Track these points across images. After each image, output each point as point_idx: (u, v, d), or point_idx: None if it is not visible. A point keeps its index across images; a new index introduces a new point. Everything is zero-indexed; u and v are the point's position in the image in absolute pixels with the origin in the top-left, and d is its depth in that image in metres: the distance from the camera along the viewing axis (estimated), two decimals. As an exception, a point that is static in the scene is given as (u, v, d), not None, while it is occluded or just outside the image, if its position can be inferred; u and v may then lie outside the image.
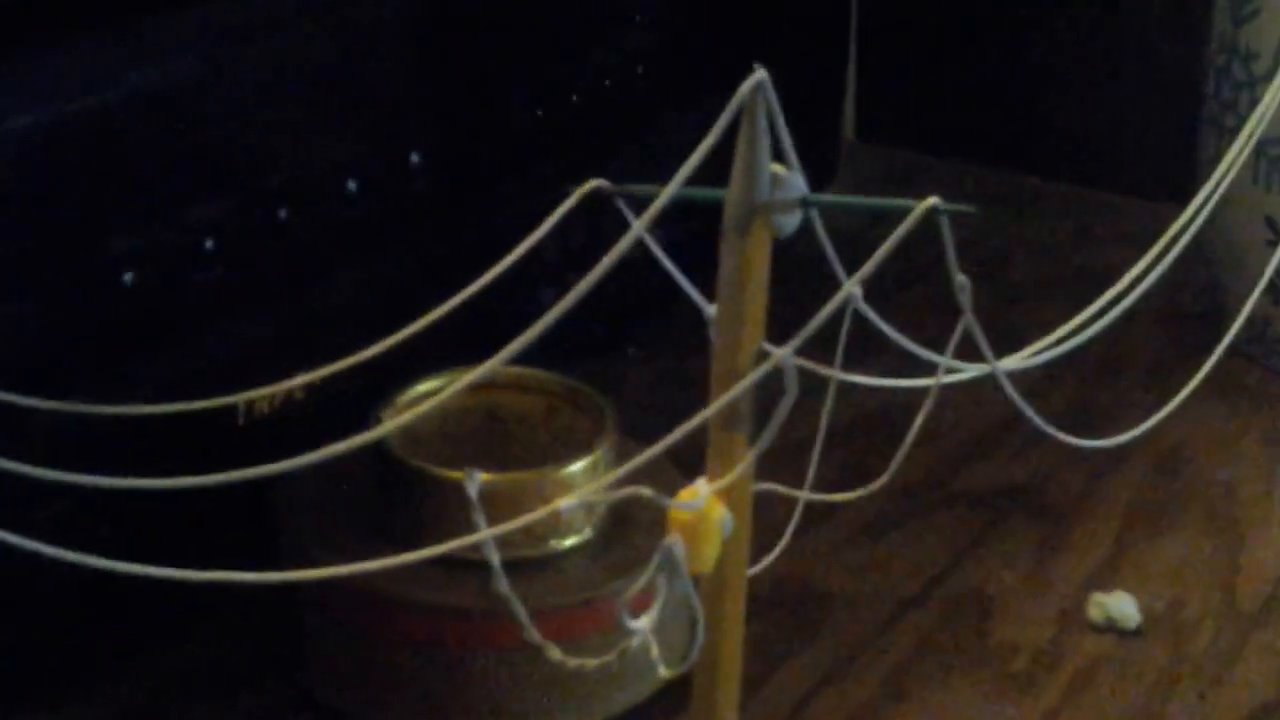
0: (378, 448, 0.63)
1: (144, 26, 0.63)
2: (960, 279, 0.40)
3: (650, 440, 0.37)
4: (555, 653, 0.40)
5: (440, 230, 0.78)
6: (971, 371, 0.43)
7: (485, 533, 0.36)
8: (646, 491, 0.38)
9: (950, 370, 0.42)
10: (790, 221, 0.39)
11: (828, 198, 0.38)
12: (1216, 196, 0.51)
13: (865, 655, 0.69)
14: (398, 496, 0.63)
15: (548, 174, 0.82)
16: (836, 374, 0.41)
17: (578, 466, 0.62)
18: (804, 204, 0.38)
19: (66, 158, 0.61)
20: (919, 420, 0.41)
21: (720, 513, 0.39)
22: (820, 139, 1.08)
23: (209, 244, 0.66)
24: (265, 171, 0.69)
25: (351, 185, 0.72)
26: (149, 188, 0.64)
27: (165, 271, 0.65)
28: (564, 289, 0.35)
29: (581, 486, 0.62)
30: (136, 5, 0.63)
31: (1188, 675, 0.69)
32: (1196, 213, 0.50)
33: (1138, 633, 0.71)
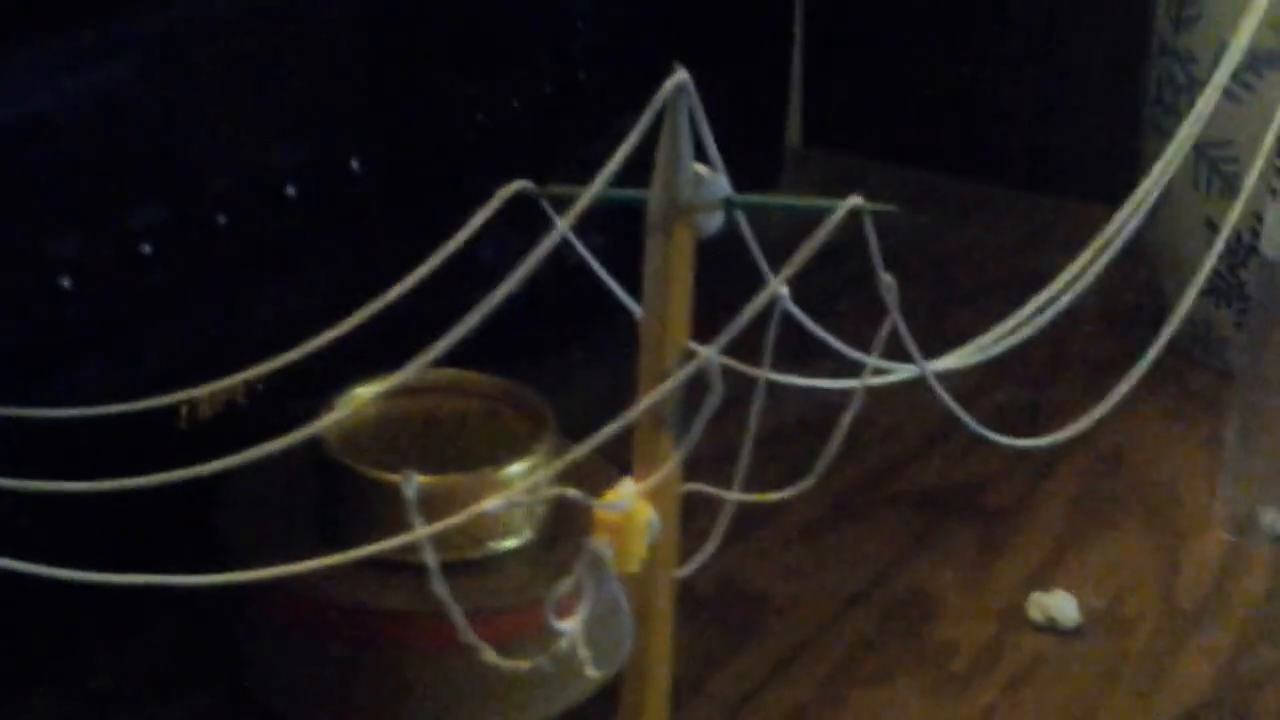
0: (316, 451, 0.63)
1: (80, 31, 0.63)
2: (886, 279, 0.40)
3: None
4: (490, 655, 0.40)
5: (383, 236, 0.78)
6: (900, 372, 0.43)
7: (420, 532, 0.36)
8: (572, 492, 0.38)
9: (879, 371, 0.42)
10: (713, 221, 0.39)
11: (750, 198, 0.38)
12: (1153, 198, 0.51)
13: (805, 656, 0.69)
14: (336, 500, 0.63)
15: (490, 180, 0.81)
16: (762, 374, 0.41)
17: (516, 468, 0.62)
18: (726, 204, 0.38)
19: (1, 162, 0.61)
20: (846, 421, 0.41)
21: (646, 513, 0.39)
22: (764, 144, 1.08)
23: (147, 249, 0.66)
24: (204, 176, 0.69)
25: (291, 190, 0.72)
26: (86, 192, 0.64)
27: (103, 276, 0.64)
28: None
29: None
30: (73, 9, 0.63)
31: (1127, 674, 0.69)
32: (1131, 214, 0.50)
33: (1077, 632, 0.72)
